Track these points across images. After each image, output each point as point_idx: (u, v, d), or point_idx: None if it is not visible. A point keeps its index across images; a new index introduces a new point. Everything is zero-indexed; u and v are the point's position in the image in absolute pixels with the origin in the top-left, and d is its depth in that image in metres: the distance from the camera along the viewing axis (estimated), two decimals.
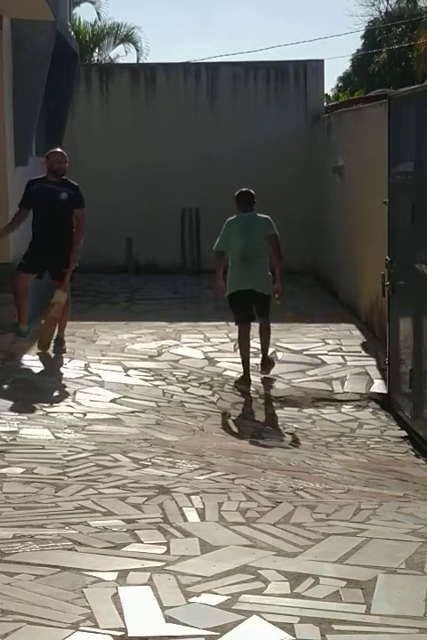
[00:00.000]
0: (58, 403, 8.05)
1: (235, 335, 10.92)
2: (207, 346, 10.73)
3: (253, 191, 9.71)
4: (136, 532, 4.53)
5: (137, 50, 30.01)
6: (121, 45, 30.30)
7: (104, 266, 16.30)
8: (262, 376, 9.69)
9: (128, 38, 29.95)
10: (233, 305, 9.65)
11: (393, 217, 8.85)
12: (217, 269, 9.60)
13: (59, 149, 10.23)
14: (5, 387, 8.44)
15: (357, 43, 54.60)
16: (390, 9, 39.99)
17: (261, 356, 9.77)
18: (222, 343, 10.83)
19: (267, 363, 9.77)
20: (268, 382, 9.60)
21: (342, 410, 8.92)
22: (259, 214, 9.67)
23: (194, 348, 10.61)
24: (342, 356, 10.41)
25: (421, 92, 8.19)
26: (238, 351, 9.70)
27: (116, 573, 3.95)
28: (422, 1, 38.45)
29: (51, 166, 9.81)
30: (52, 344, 9.86)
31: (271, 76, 17.25)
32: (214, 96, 17.20)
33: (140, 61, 28.60)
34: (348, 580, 3.93)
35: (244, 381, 9.42)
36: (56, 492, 5.23)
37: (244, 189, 9.77)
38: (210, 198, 16.49)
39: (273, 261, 9.54)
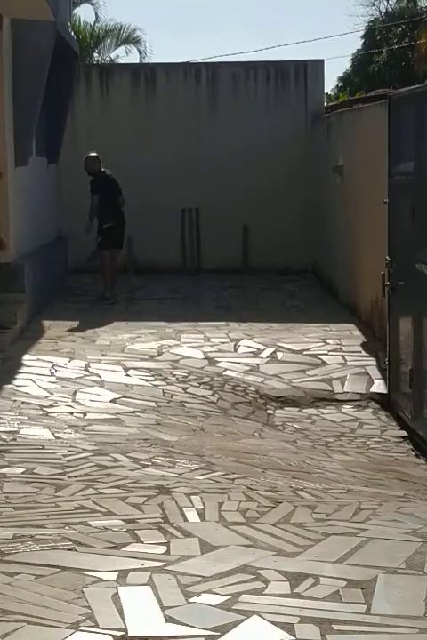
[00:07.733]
0: (58, 403, 8.05)
1: (235, 335, 11.06)
2: (207, 346, 10.71)
3: None
4: (136, 531, 4.53)
5: (139, 51, 29.93)
6: (122, 46, 30.25)
7: None
8: None
9: (130, 39, 29.87)
10: None
11: (393, 217, 8.84)
12: None
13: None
14: (5, 386, 8.44)
15: (357, 43, 54.59)
16: (390, 9, 40.04)
17: (260, 355, 9.93)
18: (222, 343, 10.82)
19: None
20: None
21: (342, 410, 8.92)
22: None
23: (194, 347, 10.60)
24: (342, 356, 10.40)
25: (421, 92, 8.19)
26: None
27: (116, 573, 3.95)
28: (422, 1, 38.50)
29: None
30: None
31: (271, 76, 17.23)
32: (214, 96, 17.18)
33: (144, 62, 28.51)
34: (348, 579, 3.93)
35: None
36: (56, 492, 5.23)
37: None
38: (210, 198, 16.49)
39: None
